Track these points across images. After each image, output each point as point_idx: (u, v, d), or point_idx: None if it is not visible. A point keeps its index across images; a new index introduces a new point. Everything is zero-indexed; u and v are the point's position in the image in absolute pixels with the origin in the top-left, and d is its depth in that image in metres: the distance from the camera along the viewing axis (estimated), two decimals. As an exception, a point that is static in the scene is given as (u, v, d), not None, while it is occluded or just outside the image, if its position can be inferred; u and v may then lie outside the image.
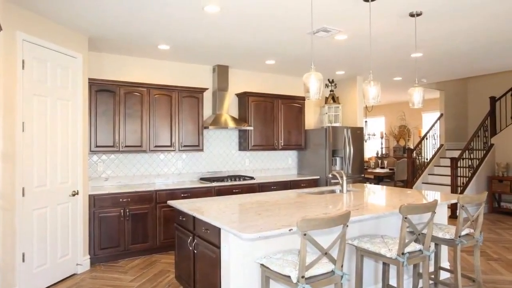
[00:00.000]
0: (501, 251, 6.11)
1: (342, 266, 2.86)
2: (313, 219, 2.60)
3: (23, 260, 4.37)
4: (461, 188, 9.44)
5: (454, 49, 6.51)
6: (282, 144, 8.19)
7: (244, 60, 7.18)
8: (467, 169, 9.81)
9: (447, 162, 10.42)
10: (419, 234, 3.49)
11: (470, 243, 3.98)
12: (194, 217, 3.81)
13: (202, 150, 7.14)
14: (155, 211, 6.16)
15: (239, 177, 7.46)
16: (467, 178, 9.65)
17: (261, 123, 7.89)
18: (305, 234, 2.60)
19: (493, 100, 10.35)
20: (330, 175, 6.00)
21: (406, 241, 3.32)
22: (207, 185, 6.73)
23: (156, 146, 6.59)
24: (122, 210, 5.85)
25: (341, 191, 5.19)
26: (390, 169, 12.11)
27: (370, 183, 8.60)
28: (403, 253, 3.26)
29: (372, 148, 16.14)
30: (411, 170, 10.82)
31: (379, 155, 15.08)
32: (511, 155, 9.75)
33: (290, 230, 2.93)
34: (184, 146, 6.91)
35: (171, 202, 4.37)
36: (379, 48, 6.33)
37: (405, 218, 3.25)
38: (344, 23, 4.99)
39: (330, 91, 9.31)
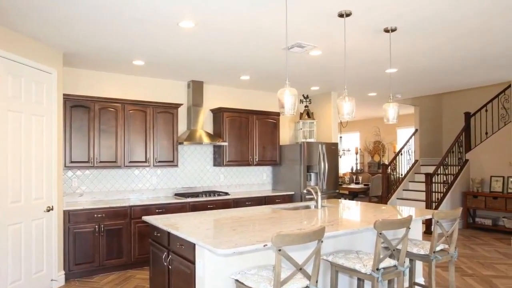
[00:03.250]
0: (476, 267, 6.20)
1: (316, 282, 2.86)
2: (287, 235, 2.61)
3: (-3, 276, 4.24)
4: (436, 203, 9.53)
5: (429, 65, 6.59)
6: (256, 159, 8.17)
7: (219, 75, 7.26)
8: (442, 184, 9.88)
9: (422, 177, 10.48)
10: (393, 250, 3.50)
11: (445, 259, 4.02)
12: (169, 233, 3.79)
13: (176, 165, 7.10)
14: (130, 227, 6.12)
15: (214, 192, 7.47)
16: (442, 194, 9.73)
17: (236, 138, 7.85)
18: (279, 250, 2.60)
19: (468, 116, 10.47)
20: (305, 191, 6.02)
21: (381, 256, 3.34)
22: (181, 200, 6.70)
23: (131, 162, 6.56)
24: (96, 226, 5.80)
25: (316, 206, 5.21)
26: (364, 185, 12.22)
27: (345, 199, 8.65)
28: (377, 269, 3.28)
29: (347, 164, 16.25)
30: (385, 185, 10.90)
31: (353, 171, 15.17)
32: (485, 171, 9.86)
33: (264, 245, 2.94)
34: (159, 161, 6.88)
35: (146, 218, 4.35)
36: (354, 63, 6.40)
37: (380, 233, 3.28)
38: (319, 39, 5.04)
39: (305, 106, 9.32)
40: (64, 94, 5.73)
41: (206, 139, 7.23)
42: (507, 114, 9.91)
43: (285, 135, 9.22)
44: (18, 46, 4.66)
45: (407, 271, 4.47)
